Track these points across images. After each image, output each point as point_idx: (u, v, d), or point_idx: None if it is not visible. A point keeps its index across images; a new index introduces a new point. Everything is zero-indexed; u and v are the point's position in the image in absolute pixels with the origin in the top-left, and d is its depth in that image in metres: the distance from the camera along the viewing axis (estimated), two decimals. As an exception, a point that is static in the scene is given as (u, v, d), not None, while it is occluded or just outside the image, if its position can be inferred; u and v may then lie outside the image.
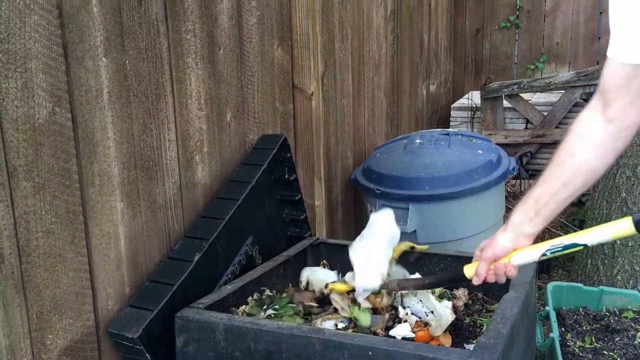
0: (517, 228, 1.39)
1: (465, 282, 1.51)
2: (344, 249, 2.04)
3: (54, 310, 1.34)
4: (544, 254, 1.36)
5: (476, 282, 1.43)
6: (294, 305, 1.71)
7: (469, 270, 1.47)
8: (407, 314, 1.62)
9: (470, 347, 1.53)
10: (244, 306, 1.67)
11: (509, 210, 3.38)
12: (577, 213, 3.85)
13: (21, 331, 1.27)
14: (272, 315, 1.63)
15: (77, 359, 1.42)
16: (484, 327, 1.54)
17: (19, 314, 1.26)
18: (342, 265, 2.03)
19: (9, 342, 1.24)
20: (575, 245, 1.33)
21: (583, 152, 1.32)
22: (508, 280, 1.68)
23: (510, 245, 1.39)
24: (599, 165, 1.32)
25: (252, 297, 1.71)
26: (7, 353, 1.24)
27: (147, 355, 1.47)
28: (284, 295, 1.75)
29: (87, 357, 1.44)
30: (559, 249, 1.34)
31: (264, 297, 1.71)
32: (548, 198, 1.35)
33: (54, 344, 1.35)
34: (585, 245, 1.33)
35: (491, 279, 1.42)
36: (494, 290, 1.82)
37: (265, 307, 1.67)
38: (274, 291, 1.78)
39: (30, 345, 1.29)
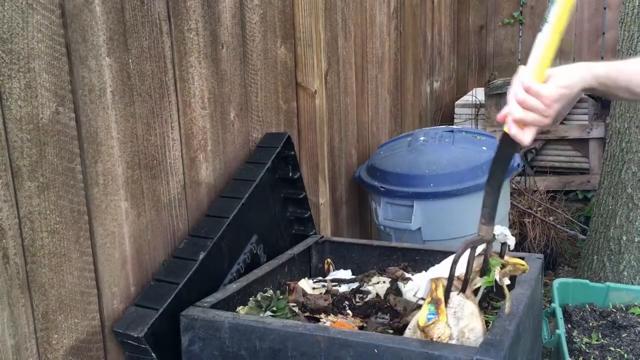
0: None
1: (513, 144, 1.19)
2: (349, 247, 2.05)
3: (60, 309, 1.34)
4: (544, 22, 1.12)
5: (498, 117, 1.15)
6: (294, 305, 1.71)
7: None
8: None
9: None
10: (241, 306, 1.65)
11: (513, 207, 3.39)
12: (583, 209, 3.84)
13: (27, 331, 1.27)
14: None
15: (83, 358, 1.42)
16: (490, 324, 1.53)
17: (25, 313, 1.26)
18: (346, 263, 2.03)
19: (15, 342, 1.24)
20: None
21: None
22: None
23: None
24: None
25: (254, 297, 1.70)
26: (13, 353, 1.24)
27: (153, 354, 1.47)
28: (282, 297, 1.74)
29: (92, 356, 1.45)
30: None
31: (260, 298, 1.69)
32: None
33: (60, 343, 1.35)
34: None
35: (510, 101, 1.12)
36: (499, 287, 1.81)
37: (264, 308, 1.66)
38: (278, 292, 1.77)
39: (36, 345, 1.29)
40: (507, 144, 1.20)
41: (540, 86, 1.10)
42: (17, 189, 1.23)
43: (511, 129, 1.14)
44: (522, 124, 1.13)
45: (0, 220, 1.20)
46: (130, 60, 1.50)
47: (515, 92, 1.11)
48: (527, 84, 1.09)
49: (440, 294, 1.37)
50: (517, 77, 1.13)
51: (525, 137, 1.14)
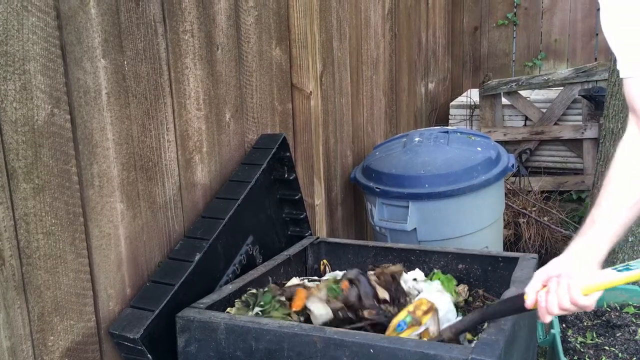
0: (580, 252, 1.26)
1: (527, 311, 1.33)
2: (345, 248, 2.05)
3: (55, 311, 1.34)
4: (623, 269, 1.19)
5: (528, 306, 1.29)
6: (280, 298, 1.69)
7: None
8: None
9: (472, 344, 1.53)
10: (229, 308, 1.65)
11: (508, 207, 3.40)
12: (578, 209, 3.86)
13: (22, 333, 1.27)
14: (260, 313, 1.62)
15: (78, 360, 1.42)
16: (486, 324, 1.54)
17: (20, 315, 1.26)
18: (342, 264, 2.04)
19: (11, 343, 1.24)
20: None
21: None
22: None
23: (569, 262, 1.25)
24: None
25: (239, 298, 1.69)
26: (9, 355, 1.24)
27: (149, 355, 1.47)
28: (267, 290, 1.72)
29: (88, 358, 1.44)
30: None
31: (246, 297, 1.68)
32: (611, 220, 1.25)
33: (56, 345, 1.35)
34: None
35: (552, 302, 1.23)
36: (494, 287, 1.82)
37: (251, 306, 1.66)
38: (261, 290, 1.76)
39: (32, 347, 1.29)
40: (520, 309, 1.33)
41: (585, 300, 1.22)
42: (13, 191, 1.23)
43: (544, 318, 1.27)
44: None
45: (-5, 222, 1.20)
46: (125, 62, 1.51)
47: (561, 299, 1.22)
48: (577, 300, 1.21)
49: (422, 316, 1.46)
50: (568, 285, 1.22)
51: (548, 320, 1.28)
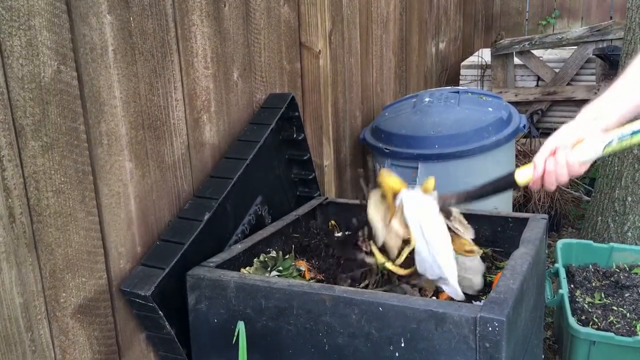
0: (587, 120, 1.28)
1: (517, 189, 1.42)
2: (353, 208, 2.05)
3: (67, 268, 1.36)
4: (609, 143, 1.24)
5: (536, 178, 1.31)
6: (298, 266, 1.72)
7: (522, 174, 1.35)
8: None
9: (480, 303, 1.53)
10: (247, 268, 1.67)
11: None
12: (589, 171, 3.83)
13: (35, 289, 1.28)
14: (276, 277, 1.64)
15: (91, 316, 1.44)
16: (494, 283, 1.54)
17: (32, 272, 1.27)
18: (351, 224, 2.03)
19: (23, 300, 1.26)
20: None
21: None
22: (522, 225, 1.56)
23: (573, 133, 1.27)
24: None
25: (257, 258, 1.71)
26: (22, 311, 1.25)
27: (160, 312, 1.49)
28: (287, 256, 1.75)
29: (100, 314, 1.46)
30: (627, 135, 1.22)
31: (266, 259, 1.71)
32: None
33: (68, 301, 1.37)
34: None
35: (551, 178, 1.28)
36: (504, 248, 1.82)
37: (269, 268, 1.67)
38: (280, 252, 1.78)
39: (45, 303, 1.31)
40: (511, 186, 1.42)
41: (583, 169, 1.30)
42: (21, 149, 1.23)
43: (535, 182, 1.34)
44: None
45: (5, 180, 1.20)
46: (131, 18, 1.48)
47: (559, 177, 1.30)
48: (575, 174, 1.30)
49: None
50: (567, 162, 1.29)
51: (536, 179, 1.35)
